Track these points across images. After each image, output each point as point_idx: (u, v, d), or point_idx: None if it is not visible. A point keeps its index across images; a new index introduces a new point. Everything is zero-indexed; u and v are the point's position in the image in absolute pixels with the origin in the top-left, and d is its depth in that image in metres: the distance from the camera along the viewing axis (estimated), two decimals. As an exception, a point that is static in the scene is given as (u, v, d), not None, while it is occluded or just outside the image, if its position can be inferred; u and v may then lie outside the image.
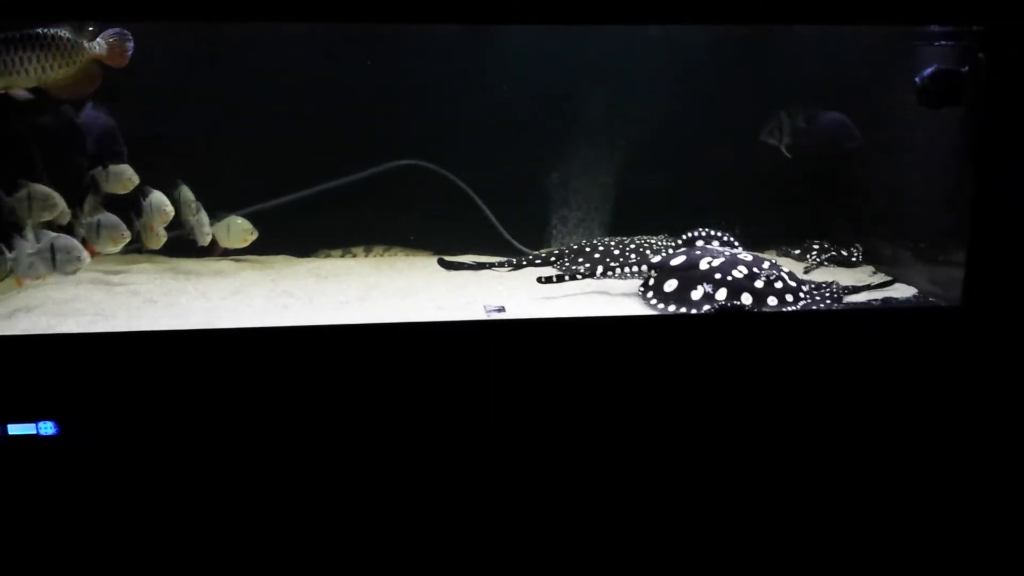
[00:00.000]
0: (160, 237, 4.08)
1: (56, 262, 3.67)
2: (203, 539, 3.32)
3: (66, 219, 3.92)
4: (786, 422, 3.51)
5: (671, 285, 3.94)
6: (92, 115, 4.03)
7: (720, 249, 4.16)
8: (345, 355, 3.31)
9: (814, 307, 3.84)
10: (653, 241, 4.72)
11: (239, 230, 4.13)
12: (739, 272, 3.91)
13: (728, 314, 3.74)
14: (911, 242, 4.30)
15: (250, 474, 3.30)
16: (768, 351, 3.51)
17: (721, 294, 3.84)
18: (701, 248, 4.15)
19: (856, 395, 3.53)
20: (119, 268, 4.33)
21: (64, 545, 3.26)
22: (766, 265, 3.96)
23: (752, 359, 3.49)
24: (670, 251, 4.48)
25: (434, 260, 4.61)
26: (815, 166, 4.71)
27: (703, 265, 3.97)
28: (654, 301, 3.92)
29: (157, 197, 4.04)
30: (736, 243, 4.27)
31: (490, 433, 3.38)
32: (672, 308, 3.85)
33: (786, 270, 4.03)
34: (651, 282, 4.03)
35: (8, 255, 3.62)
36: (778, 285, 3.87)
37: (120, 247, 3.92)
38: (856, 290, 4.06)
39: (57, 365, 3.19)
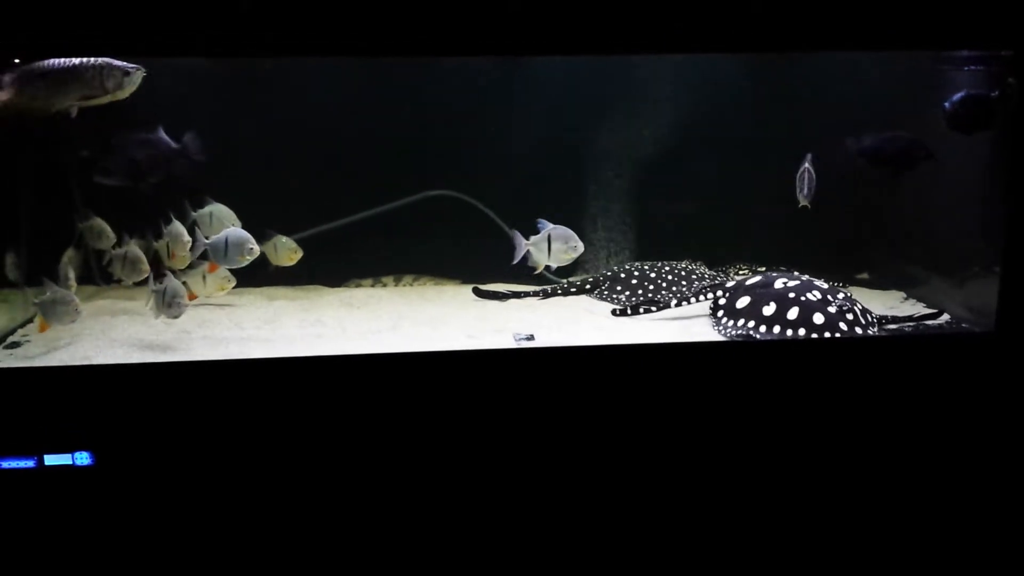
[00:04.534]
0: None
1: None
2: (238, 569, 3.33)
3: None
4: (819, 446, 3.49)
5: (743, 302, 4.00)
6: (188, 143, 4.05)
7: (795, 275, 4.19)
8: (378, 383, 3.33)
9: (846, 329, 3.80)
10: (683, 266, 4.71)
11: (285, 249, 4.20)
12: (813, 295, 3.91)
13: (767, 341, 3.76)
14: (944, 267, 4.27)
15: (284, 500, 3.31)
16: (802, 376, 3.50)
17: (793, 312, 3.85)
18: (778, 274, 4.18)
19: (890, 420, 3.50)
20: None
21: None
22: (840, 296, 3.94)
23: (787, 384, 3.48)
24: (737, 276, 4.50)
25: (463, 289, 4.65)
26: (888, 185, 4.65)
27: (778, 284, 4.02)
28: (725, 320, 3.98)
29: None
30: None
31: (520, 459, 3.38)
32: (742, 322, 3.90)
33: (860, 305, 4.00)
34: (722, 302, 4.09)
35: (34, 300, 3.67)
36: (849, 317, 3.84)
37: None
38: (896, 320, 4.05)
39: (93, 396, 3.23)
